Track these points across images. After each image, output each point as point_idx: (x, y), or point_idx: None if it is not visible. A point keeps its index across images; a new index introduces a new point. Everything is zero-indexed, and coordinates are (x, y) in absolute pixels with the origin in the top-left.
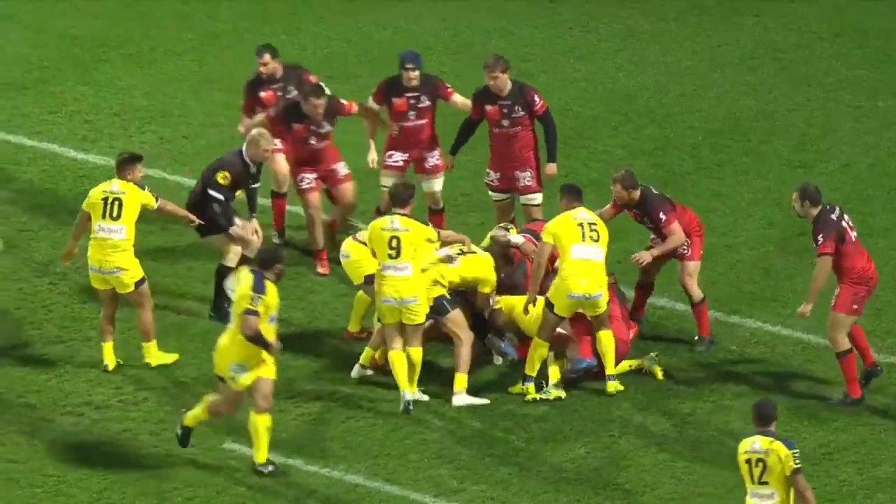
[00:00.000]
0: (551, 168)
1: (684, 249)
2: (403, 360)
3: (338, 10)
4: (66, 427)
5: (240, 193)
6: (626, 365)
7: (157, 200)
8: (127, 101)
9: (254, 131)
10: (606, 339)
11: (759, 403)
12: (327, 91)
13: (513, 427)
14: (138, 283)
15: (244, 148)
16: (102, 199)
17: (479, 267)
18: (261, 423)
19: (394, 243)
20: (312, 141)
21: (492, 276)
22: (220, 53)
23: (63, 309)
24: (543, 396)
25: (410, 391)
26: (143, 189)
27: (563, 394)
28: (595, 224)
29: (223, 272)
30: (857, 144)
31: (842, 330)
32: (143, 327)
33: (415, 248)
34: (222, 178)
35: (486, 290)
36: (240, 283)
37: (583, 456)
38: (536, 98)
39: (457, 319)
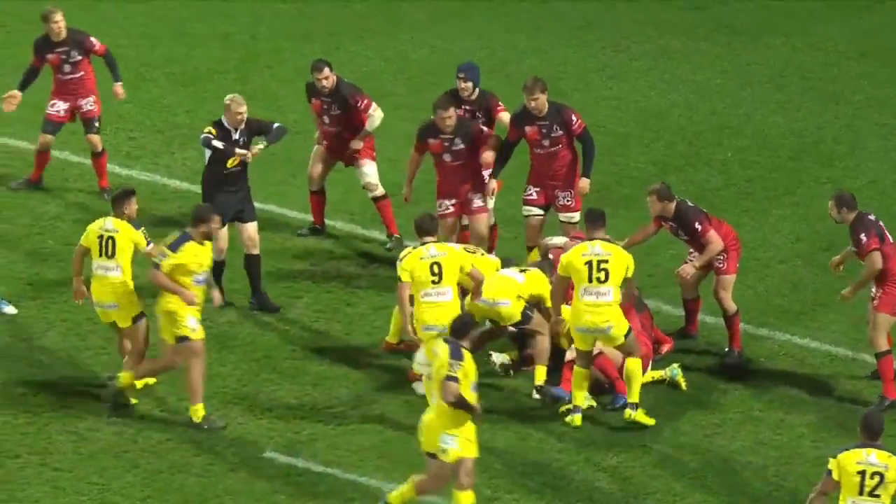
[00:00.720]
0: (584, 183)
1: (720, 262)
2: None
3: (376, 30)
4: (111, 437)
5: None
6: (649, 376)
7: (148, 244)
8: (170, 118)
9: (226, 97)
10: (633, 367)
11: (868, 416)
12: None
13: (546, 437)
14: (135, 319)
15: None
16: (98, 238)
17: (539, 283)
18: (464, 500)
19: (435, 269)
20: (447, 158)
21: (548, 291)
22: (262, 72)
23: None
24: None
25: None
26: (137, 229)
27: (592, 403)
28: (606, 261)
29: (253, 262)
30: (884, 161)
31: (883, 331)
32: (133, 361)
33: (454, 272)
34: (208, 131)
35: (548, 304)
36: (437, 356)
37: (615, 466)
38: (574, 117)
39: (539, 320)
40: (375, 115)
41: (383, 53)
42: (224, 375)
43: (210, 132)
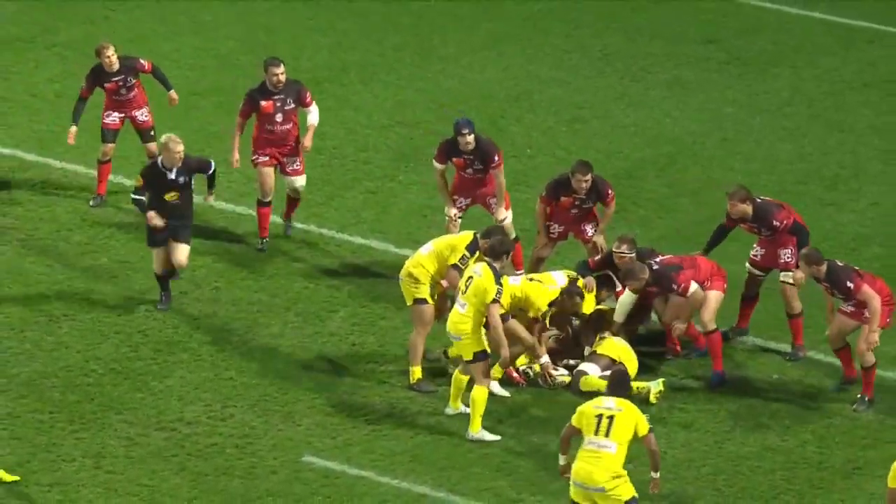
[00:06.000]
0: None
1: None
2: (461, 381)
3: (409, 62)
4: (160, 442)
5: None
6: (634, 386)
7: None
8: (217, 144)
9: (163, 137)
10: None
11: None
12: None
13: None
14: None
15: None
16: None
17: (534, 291)
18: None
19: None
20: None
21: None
22: None
23: (157, 333)
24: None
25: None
26: None
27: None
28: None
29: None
30: (885, 184)
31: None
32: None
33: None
34: (136, 180)
35: (531, 313)
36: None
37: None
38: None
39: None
40: (316, 109)
41: (415, 84)
42: (266, 384)
43: (137, 184)
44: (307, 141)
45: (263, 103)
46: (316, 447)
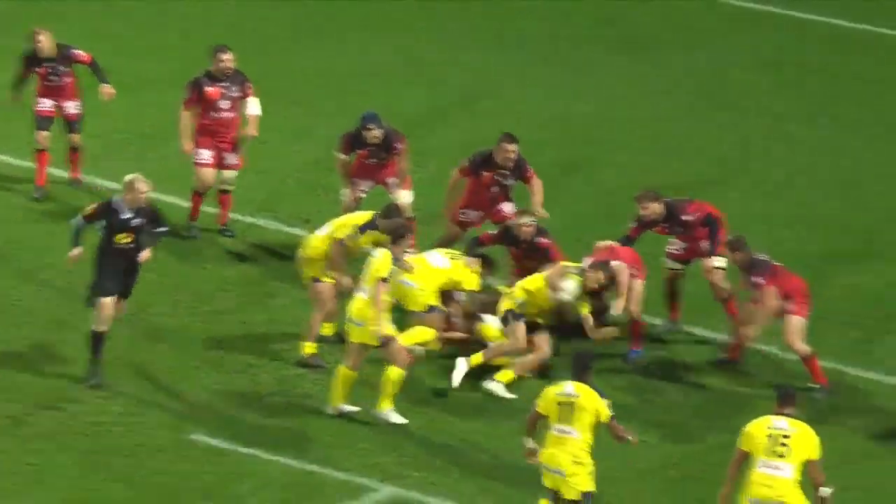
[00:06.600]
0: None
1: (709, 247)
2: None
3: (300, 38)
4: (46, 421)
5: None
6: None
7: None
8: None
9: (128, 176)
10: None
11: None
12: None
13: (455, 420)
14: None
15: (122, 196)
16: None
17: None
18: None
19: None
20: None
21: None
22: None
23: (45, 313)
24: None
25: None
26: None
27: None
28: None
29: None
30: (769, 161)
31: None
32: None
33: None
34: (87, 209)
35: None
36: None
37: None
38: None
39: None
40: (257, 100)
41: (307, 62)
42: (155, 363)
43: (87, 213)
44: (253, 130)
45: (209, 89)
46: (204, 425)
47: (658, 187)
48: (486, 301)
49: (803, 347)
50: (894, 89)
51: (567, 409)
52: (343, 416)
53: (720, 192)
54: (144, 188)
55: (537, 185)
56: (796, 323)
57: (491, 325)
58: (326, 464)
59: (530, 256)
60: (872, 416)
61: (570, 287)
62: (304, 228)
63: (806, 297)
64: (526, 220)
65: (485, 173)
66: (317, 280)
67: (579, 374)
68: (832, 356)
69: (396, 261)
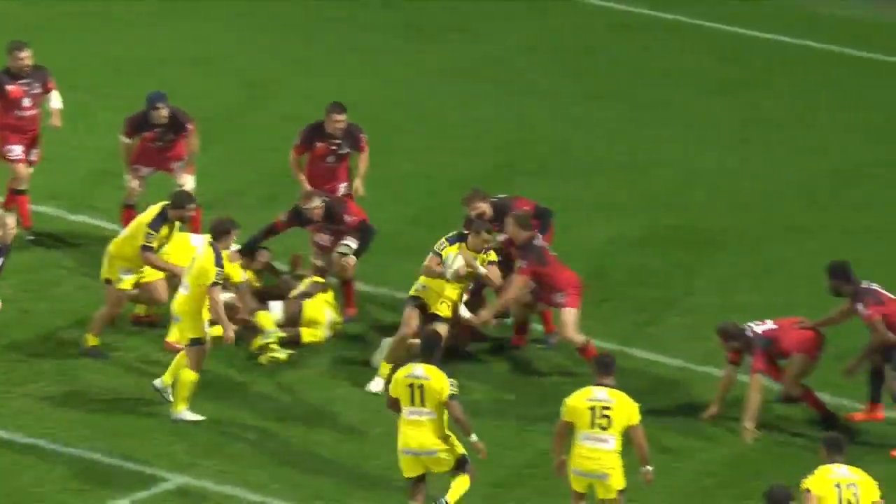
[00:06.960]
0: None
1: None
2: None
3: (79, 27)
4: None
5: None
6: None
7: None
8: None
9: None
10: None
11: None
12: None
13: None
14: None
15: None
16: None
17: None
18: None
19: None
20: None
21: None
22: None
23: None
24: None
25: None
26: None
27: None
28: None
29: None
30: (555, 144)
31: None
32: None
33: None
34: None
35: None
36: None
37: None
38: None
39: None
40: (58, 93)
41: (88, 48)
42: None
43: None
44: (57, 121)
45: (11, 88)
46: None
47: (441, 174)
48: (267, 290)
49: (579, 338)
50: (682, 73)
51: (418, 392)
52: (177, 421)
53: (506, 177)
54: (13, 223)
55: (364, 159)
56: (569, 315)
57: (268, 313)
58: (115, 454)
59: (333, 230)
60: (656, 395)
61: (449, 260)
62: (90, 216)
63: (577, 289)
64: (316, 202)
65: (318, 144)
66: (108, 282)
67: (427, 356)
68: (617, 339)
69: (219, 259)
